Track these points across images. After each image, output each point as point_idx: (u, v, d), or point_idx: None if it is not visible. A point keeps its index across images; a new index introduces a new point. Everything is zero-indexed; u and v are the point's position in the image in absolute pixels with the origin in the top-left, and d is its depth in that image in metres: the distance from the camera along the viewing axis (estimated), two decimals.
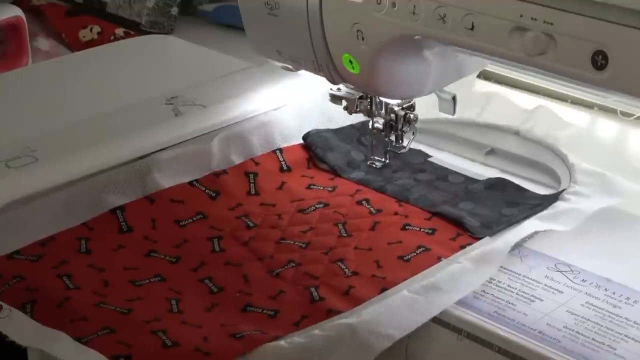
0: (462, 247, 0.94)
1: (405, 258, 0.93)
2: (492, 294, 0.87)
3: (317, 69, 1.00)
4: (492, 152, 1.11)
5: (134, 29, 1.50)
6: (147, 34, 1.44)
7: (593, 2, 0.76)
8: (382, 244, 0.95)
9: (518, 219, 0.97)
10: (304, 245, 0.96)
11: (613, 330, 0.83)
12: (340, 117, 1.13)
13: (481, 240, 0.95)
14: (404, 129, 1.02)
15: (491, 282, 0.89)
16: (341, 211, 1.01)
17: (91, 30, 1.51)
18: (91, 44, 1.48)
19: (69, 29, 1.51)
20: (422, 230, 0.97)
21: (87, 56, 1.32)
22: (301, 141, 1.11)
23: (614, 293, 0.88)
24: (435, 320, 0.85)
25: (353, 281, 0.90)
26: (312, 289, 0.89)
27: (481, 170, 1.09)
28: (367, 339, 0.81)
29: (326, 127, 1.13)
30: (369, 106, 1.02)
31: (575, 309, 0.86)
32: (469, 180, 1.06)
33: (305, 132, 1.11)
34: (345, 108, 1.03)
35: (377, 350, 0.81)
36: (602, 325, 0.84)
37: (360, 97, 1.02)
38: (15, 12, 1.39)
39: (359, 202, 1.02)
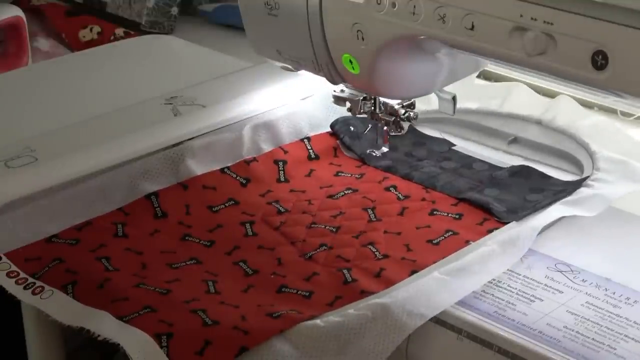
0: (490, 231, 0.96)
1: (434, 242, 0.95)
2: (492, 294, 0.87)
3: (317, 69, 1.00)
4: (515, 141, 1.13)
5: (134, 29, 1.50)
6: (147, 34, 1.44)
7: (593, 2, 0.76)
8: (411, 229, 0.98)
9: (543, 205, 0.98)
10: (334, 230, 0.98)
11: (613, 330, 0.83)
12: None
13: (508, 225, 0.97)
14: (403, 116, 1.02)
15: (491, 282, 0.89)
16: (370, 197, 1.03)
17: (91, 30, 1.51)
18: (91, 44, 1.48)
19: (69, 29, 1.51)
20: (449, 215, 0.99)
21: (87, 56, 1.33)
22: (328, 129, 1.13)
23: (614, 293, 0.88)
24: (435, 320, 0.85)
25: (384, 264, 0.92)
26: (345, 271, 0.91)
27: (505, 159, 1.10)
28: (400, 318, 0.83)
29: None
30: (372, 107, 1.03)
31: (575, 309, 0.86)
32: (493, 167, 1.08)
33: (333, 120, 1.13)
34: (349, 109, 1.03)
35: (410, 328, 0.83)
36: (602, 325, 0.84)
37: (364, 98, 1.02)
38: (15, 12, 1.39)
39: (387, 189, 1.04)
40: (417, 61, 0.96)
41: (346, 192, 1.04)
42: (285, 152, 1.09)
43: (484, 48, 0.85)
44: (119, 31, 1.50)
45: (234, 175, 1.05)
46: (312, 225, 0.99)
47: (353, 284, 0.90)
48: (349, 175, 1.08)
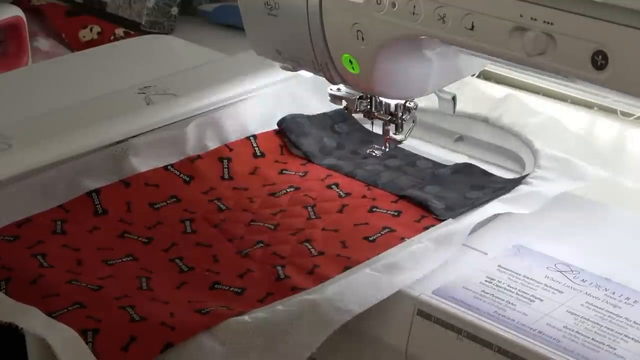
0: (426, 228, 0.97)
1: (370, 239, 0.96)
2: (492, 294, 0.87)
3: (317, 69, 1.00)
4: (461, 138, 1.14)
5: (134, 29, 1.50)
6: (147, 34, 1.44)
7: (593, 2, 0.76)
8: (349, 226, 0.98)
9: (481, 202, 0.99)
10: (273, 227, 0.99)
11: (613, 330, 0.83)
12: (314, 105, 1.16)
13: (444, 222, 0.97)
14: (403, 117, 1.02)
15: (491, 282, 0.89)
16: (311, 195, 1.04)
17: (91, 30, 1.51)
18: (91, 44, 1.48)
19: (69, 29, 1.51)
20: (388, 212, 1.00)
21: (87, 56, 1.33)
22: (275, 127, 1.13)
23: (614, 293, 0.88)
24: (435, 320, 0.85)
25: (318, 260, 0.93)
26: (279, 268, 0.92)
27: (450, 157, 1.11)
28: (327, 314, 0.84)
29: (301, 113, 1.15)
30: (368, 106, 1.03)
31: (575, 309, 0.86)
32: (437, 165, 1.09)
33: (280, 118, 1.14)
34: (346, 108, 1.03)
35: (336, 324, 0.84)
36: (602, 325, 0.84)
37: (360, 97, 1.02)
38: (15, 12, 1.39)
39: (329, 187, 1.05)
40: (417, 61, 0.95)
41: (288, 190, 1.05)
42: (231, 149, 1.09)
43: (484, 48, 0.85)
44: (119, 31, 1.50)
45: (178, 173, 1.05)
46: (252, 223, 0.99)
47: (285, 281, 0.90)
48: (293, 173, 1.08)
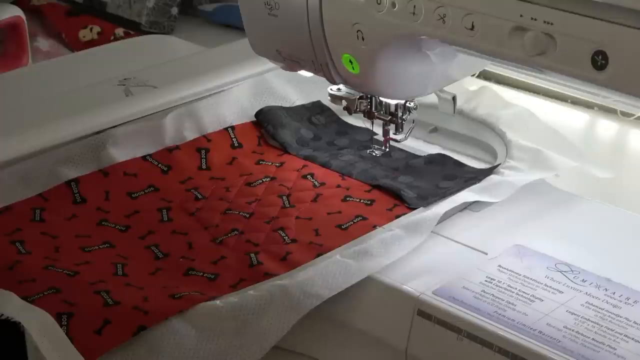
0: (398, 216, 0.98)
1: (343, 227, 0.97)
2: (492, 294, 0.87)
3: (317, 69, 1.00)
4: (435, 130, 1.15)
5: (134, 29, 1.50)
6: (147, 34, 1.44)
7: (593, 2, 0.76)
8: (322, 214, 1.00)
9: (453, 191, 1.01)
10: (248, 215, 1.00)
11: (613, 330, 0.83)
12: (291, 97, 1.17)
13: (415, 211, 0.99)
14: (403, 117, 1.03)
15: (491, 282, 0.89)
16: (287, 184, 1.05)
17: (91, 30, 1.51)
18: (91, 44, 1.48)
19: (69, 29, 1.52)
20: (361, 201, 1.01)
21: (87, 56, 1.33)
22: (253, 119, 1.15)
23: (614, 293, 0.88)
24: (436, 320, 0.85)
25: (291, 248, 0.94)
26: (252, 255, 0.93)
27: (424, 148, 1.13)
28: (297, 299, 0.86)
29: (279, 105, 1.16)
30: (368, 106, 1.03)
31: (575, 309, 0.86)
32: (410, 156, 1.10)
33: (257, 110, 1.15)
34: (345, 108, 1.03)
35: (306, 308, 0.85)
36: (602, 325, 0.84)
37: (360, 97, 1.02)
38: (15, 12, 1.39)
39: (304, 177, 1.06)
40: (417, 61, 0.96)
41: (264, 179, 1.06)
42: (209, 140, 1.11)
43: (484, 48, 0.85)
44: (119, 31, 1.50)
45: (156, 163, 1.07)
46: (227, 211, 1.01)
47: (258, 267, 0.92)
48: (270, 163, 1.09)
